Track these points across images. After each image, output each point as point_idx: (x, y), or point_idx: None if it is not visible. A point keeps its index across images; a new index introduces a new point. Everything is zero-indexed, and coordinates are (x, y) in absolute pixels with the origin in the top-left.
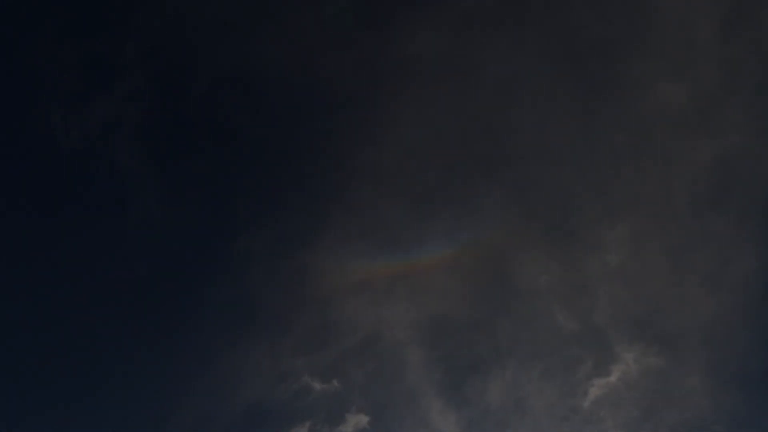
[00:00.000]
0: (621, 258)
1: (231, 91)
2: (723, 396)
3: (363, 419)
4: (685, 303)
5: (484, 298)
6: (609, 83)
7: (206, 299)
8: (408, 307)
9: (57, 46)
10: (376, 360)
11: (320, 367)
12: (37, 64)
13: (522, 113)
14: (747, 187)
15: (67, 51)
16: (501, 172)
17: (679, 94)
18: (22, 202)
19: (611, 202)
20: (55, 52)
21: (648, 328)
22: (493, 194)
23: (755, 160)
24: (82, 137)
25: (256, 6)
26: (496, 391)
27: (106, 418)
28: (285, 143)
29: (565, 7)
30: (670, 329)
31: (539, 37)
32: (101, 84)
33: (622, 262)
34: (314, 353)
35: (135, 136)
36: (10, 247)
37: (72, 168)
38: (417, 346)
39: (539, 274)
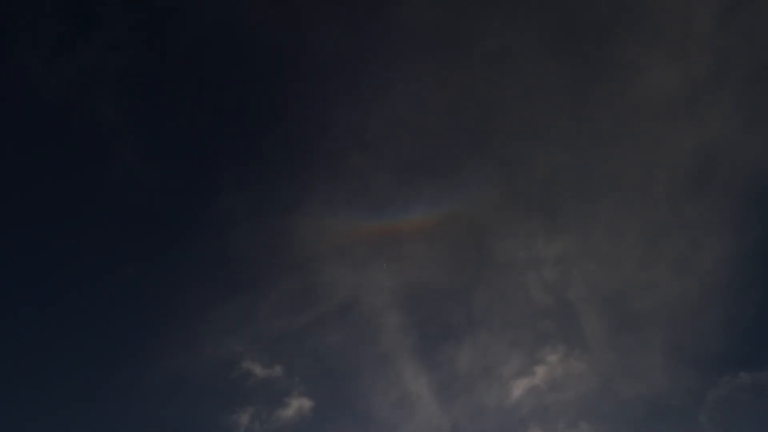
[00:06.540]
0: (598, 239)
1: (217, 46)
2: (680, 374)
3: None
4: (654, 285)
5: (462, 267)
6: (601, 65)
7: (185, 258)
8: (387, 273)
9: None
10: (352, 325)
11: (297, 328)
12: (15, 8)
13: (512, 89)
14: (725, 178)
15: None
16: (487, 146)
17: (670, 81)
18: None
19: (593, 184)
20: None
21: (617, 307)
22: (479, 168)
23: (736, 152)
24: (61, 86)
25: None
26: (466, 358)
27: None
28: (272, 103)
29: None
30: (637, 309)
31: (534, 13)
32: (83, 32)
33: (599, 243)
34: (293, 316)
35: (117, 88)
36: None
37: (50, 117)
38: (394, 311)
39: (517, 249)
